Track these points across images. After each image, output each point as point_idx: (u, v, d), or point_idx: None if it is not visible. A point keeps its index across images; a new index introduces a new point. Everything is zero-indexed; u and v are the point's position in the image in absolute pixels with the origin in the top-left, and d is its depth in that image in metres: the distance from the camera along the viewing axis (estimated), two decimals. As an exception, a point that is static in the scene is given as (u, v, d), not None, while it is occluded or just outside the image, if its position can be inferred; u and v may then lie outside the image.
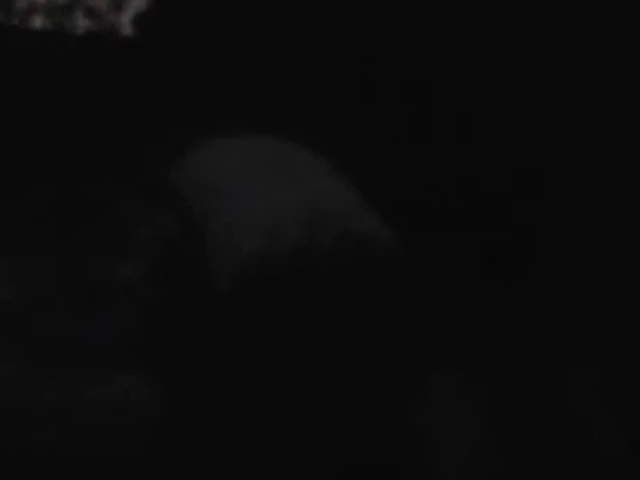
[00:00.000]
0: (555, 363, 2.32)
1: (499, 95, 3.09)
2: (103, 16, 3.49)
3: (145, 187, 2.62)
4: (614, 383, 2.30)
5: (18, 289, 2.18)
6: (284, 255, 2.36)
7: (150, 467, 2.10)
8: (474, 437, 2.14)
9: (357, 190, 2.56)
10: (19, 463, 1.99)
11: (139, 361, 2.17)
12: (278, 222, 2.36)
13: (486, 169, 2.96)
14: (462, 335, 2.39)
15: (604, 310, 2.52)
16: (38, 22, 3.44)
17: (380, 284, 2.43)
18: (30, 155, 2.94)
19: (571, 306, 2.54)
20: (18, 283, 2.19)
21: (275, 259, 2.35)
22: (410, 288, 2.46)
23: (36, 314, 2.16)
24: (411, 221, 2.70)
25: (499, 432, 2.15)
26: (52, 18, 3.46)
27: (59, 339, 2.16)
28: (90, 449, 2.06)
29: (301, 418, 2.24)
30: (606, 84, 3.03)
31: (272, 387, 2.29)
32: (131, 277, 2.36)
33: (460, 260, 2.65)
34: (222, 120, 2.87)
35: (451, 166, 2.95)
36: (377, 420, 2.24)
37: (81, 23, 3.48)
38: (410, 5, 3.12)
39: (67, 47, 3.22)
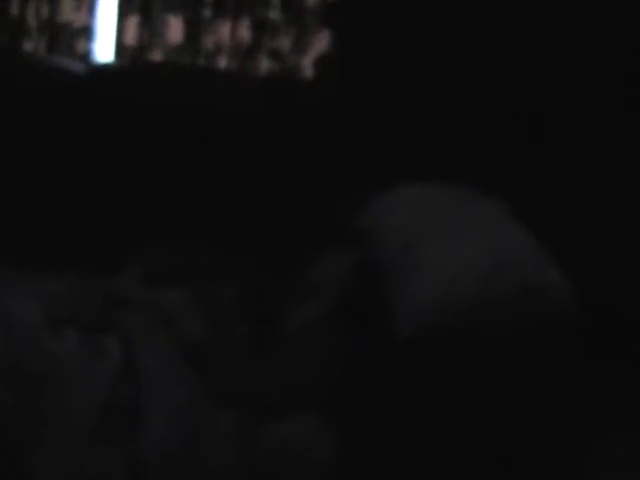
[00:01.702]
0: None
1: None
2: (286, 58, 3.57)
3: (327, 230, 2.65)
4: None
5: (209, 329, 2.23)
6: (462, 304, 2.34)
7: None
8: None
9: (538, 241, 2.52)
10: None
11: (316, 401, 2.18)
12: (459, 270, 2.34)
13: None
14: None
15: None
16: (223, 62, 3.54)
17: (556, 345, 2.37)
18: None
19: None
20: (208, 322, 2.24)
21: (453, 308, 2.34)
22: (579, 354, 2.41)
23: (220, 351, 2.21)
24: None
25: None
26: (236, 59, 3.56)
27: (241, 376, 2.20)
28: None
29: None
30: None
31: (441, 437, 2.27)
32: (310, 317, 2.39)
33: None
34: (403, 167, 2.89)
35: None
36: None
37: (264, 64, 3.57)
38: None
39: (250, 88, 3.29)
